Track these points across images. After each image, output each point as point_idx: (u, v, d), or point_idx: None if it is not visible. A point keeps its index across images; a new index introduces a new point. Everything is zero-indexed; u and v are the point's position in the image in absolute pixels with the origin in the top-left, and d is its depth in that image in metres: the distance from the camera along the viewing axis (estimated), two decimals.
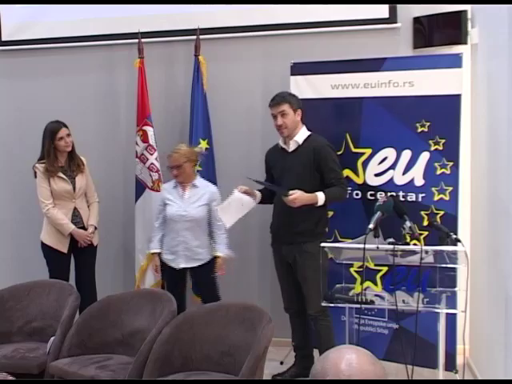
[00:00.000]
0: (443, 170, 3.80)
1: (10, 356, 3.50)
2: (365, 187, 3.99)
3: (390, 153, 3.91)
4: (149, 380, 3.15)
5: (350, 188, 3.97)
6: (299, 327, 4.00)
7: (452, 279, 3.37)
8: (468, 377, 3.79)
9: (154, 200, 4.40)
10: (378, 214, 3.27)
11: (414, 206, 3.78)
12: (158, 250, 4.14)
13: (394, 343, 3.86)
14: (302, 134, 3.79)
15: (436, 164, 3.80)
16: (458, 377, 3.70)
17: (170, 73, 4.70)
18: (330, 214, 3.95)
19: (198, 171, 4.23)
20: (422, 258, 3.16)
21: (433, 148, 3.81)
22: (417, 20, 4.23)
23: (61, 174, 4.22)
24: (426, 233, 3.62)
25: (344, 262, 3.45)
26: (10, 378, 2.14)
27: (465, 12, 4.04)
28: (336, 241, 3.94)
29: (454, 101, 3.74)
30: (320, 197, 3.63)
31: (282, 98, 3.75)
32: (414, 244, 3.32)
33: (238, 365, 3.09)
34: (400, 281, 3.36)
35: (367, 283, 3.71)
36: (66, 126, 4.22)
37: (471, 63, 4.03)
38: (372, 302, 3.45)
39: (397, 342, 3.70)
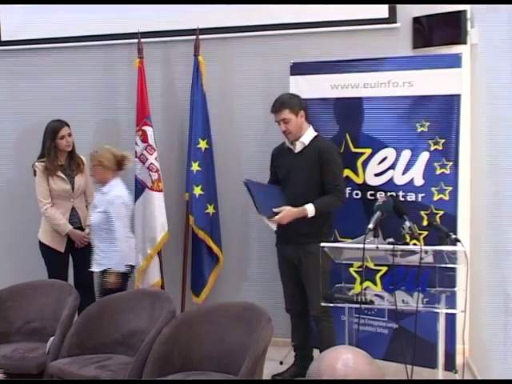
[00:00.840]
0: (443, 169, 3.80)
1: (9, 356, 3.50)
2: (364, 187, 3.98)
3: (389, 153, 3.91)
4: (149, 380, 3.15)
5: (349, 188, 3.98)
6: (300, 327, 4.00)
7: (451, 279, 3.38)
8: (467, 377, 3.78)
9: (153, 200, 4.40)
10: (378, 213, 3.27)
11: (413, 206, 3.77)
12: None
13: (394, 343, 3.87)
14: (309, 135, 3.79)
15: (436, 164, 3.80)
16: (457, 377, 3.70)
17: (169, 73, 4.70)
18: None
19: (194, 171, 4.19)
20: (421, 258, 3.15)
21: (432, 148, 3.81)
22: (416, 20, 4.22)
23: (60, 174, 4.23)
24: (426, 233, 3.62)
25: (344, 261, 3.45)
26: (1, 375, 2.13)
27: (464, 12, 4.03)
28: (336, 241, 3.93)
29: (453, 101, 3.74)
30: (309, 209, 3.64)
31: (281, 105, 3.73)
32: (414, 244, 3.31)
33: (237, 365, 3.08)
34: (400, 281, 3.36)
35: (367, 283, 3.72)
36: (67, 125, 4.23)
37: (471, 63, 4.02)
38: (372, 302, 3.44)
39: (396, 342, 3.71)
